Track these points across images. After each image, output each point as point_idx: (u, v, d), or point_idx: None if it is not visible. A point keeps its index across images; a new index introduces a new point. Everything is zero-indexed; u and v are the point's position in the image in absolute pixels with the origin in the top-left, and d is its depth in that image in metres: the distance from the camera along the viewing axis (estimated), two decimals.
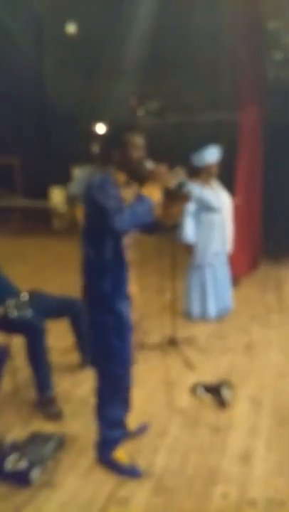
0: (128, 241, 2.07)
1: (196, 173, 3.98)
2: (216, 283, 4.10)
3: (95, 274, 2.07)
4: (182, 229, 3.91)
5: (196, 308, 4.13)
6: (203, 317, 4.11)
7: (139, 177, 2.09)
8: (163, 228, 2.25)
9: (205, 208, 3.91)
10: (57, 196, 8.61)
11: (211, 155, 3.92)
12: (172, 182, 2.05)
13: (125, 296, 2.09)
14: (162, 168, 2.02)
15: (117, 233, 1.95)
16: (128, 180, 2.08)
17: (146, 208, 1.93)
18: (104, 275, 2.04)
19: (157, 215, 2.10)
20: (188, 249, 3.99)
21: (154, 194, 1.96)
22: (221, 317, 4.15)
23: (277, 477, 2.17)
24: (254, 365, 3.32)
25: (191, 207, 3.86)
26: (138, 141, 2.05)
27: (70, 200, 3.26)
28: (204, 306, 4.11)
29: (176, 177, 2.06)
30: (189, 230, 3.91)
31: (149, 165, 2.04)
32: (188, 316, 4.17)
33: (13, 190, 9.62)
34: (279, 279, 5.54)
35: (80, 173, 3.34)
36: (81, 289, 3.42)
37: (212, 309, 4.11)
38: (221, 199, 4.01)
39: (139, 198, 1.94)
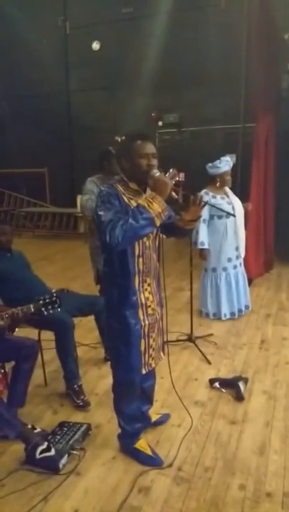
0: (137, 251, 1.93)
1: (211, 181, 3.94)
2: (229, 286, 4.01)
3: (106, 283, 2.04)
4: (196, 235, 3.86)
5: (211, 310, 4.07)
6: (219, 318, 4.03)
7: (147, 185, 1.93)
8: (182, 233, 2.16)
9: (217, 215, 3.84)
10: None
11: (225, 164, 3.88)
12: (179, 194, 1.89)
13: (132, 305, 1.97)
14: (166, 179, 1.82)
15: (111, 247, 1.76)
16: (139, 190, 1.96)
17: (143, 222, 1.72)
18: (113, 284, 1.97)
19: (177, 222, 2.05)
20: (202, 255, 3.93)
21: (154, 205, 1.75)
22: (235, 318, 4.06)
23: None
24: (268, 361, 3.23)
25: (204, 214, 3.81)
26: (147, 149, 1.88)
27: (85, 212, 3.21)
28: (218, 307, 4.03)
29: (172, 178, 1.92)
30: (203, 236, 3.85)
31: (156, 172, 1.86)
32: (205, 316, 4.10)
33: (42, 197, 9.74)
34: None
35: (88, 185, 3.29)
36: (99, 292, 3.42)
37: (225, 311, 4.03)
38: (234, 206, 3.93)
39: (136, 210, 1.74)
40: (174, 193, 1.86)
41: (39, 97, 9.10)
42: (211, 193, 3.87)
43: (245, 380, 2.87)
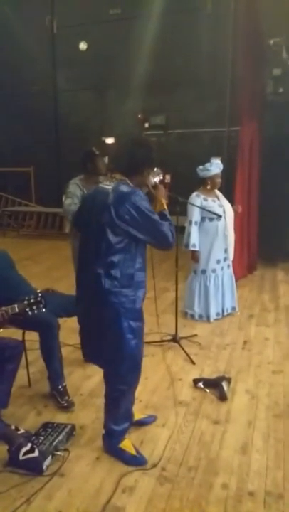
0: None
1: (202, 183, 3.95)
2: (217, 288, 4.03)
3: (122, 285, 1.97)
4: (187, 237, 3.87)
5: (197, 311, 4.07)
6: (207, 320, 4.04)
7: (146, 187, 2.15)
8: None
9: (208, 217, 3.86)
10: None
11: (215, 166, 3.89)
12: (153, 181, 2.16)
13: (142, 300, 2.11)
14: (162, 188, 2.16)
15: (168, 248, 2.03)
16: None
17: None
18: (133, 284, 2.00)
19: None
20: (194, 257, 3.93)
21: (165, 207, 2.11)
22: (219, 318, 4.09)
23: (274, 470, 2.11)
24: (251, 361, 3.27)
25: (196, 216, 3.82)
26: None
27: (68, 215, 3.17)
28: (206, 309, 4.04)
29: (156, 175, 2.11)
30: (194, 238, 3.85)
31: (155, 180, 2.12)
32: (190, 318, 4.10)
33: (28, 196, 9.63)
34: (274, 281, 5.49)
35: (71, 187, 3.24)
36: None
37: (213, 313, 4.04)
38: (225, 208, 3.96)
39: (166, 216, 2.06)
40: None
41: (26, 95, 9.02)
42: (202, 196, 3.89)
43: (229, 380, 2.90)
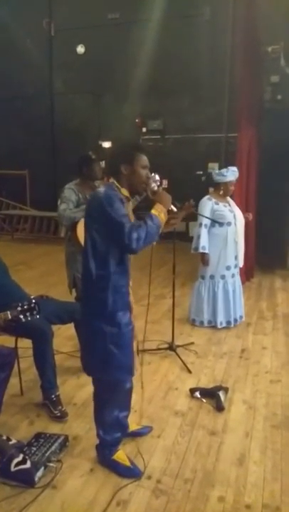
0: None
1: (215, 188, 3.97)
2: (226, 295, 3.99)
3: (96, 286, 1.98)
4: (197, 240, 3.87)
5: (206, 318, 4.02)
6: (215, 326, 4.00)
7: (141, 195, 2.11)
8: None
9: (219, 222, 3.86)
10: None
11: (231, 174, 3.89)
12: (172, 205, 2.06)
13: (126, 307, 2.03)
14: (167, 194, 2.01)
15: (131, 252, 1.91)
16: (129, 196, 2.04)
17: (156, 228, 1.91)
18: (107, 287, 1.96)
19: None
20: (204, 260, 3.91)
21: (161, 215, 1.95)
22: (231, 327, 4.05)
23: (272, 482, 2.10)
24: (249, 371, 3.26)
25: (206, 219, 3.82)
26: (145, 161, 2.03)
27: (63, 220, 3.20)
28: (214, 315, 4.01)
29: (153, 181, 2.04)
30: (204, 241, 3.86)
31: (154, 186, 2.01)
32: (199, 325, 4.06)
33: (22, 200, 9.62)
34: (272, 288, 5.50)
35: (66, 192, 3.25)
36: (76, 298, 3.38)
37: (221, 319, 4.00)
38: (235, 214, 3.96)
39: (151, 218, 1.91)
40: (172, 206, 2.05)
41: (22, 98, 9.03)
42: (213, 199, 3.91)
43: (226, 390, 2.88)
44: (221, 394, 2.80)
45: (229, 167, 3.93)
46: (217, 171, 3.96)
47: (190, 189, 7.44)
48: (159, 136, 8.52)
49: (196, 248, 3.90)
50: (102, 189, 1.97)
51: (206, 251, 3.88)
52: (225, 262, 3.95)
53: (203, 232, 3.87)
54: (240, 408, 2.75)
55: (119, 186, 1.99)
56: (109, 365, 2.02)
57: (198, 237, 3.87)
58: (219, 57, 7.60)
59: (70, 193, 3.20)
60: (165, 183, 2.82)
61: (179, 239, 3.88)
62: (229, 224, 3.89)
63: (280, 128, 5.90)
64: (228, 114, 7.64)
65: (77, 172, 3.31)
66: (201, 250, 3.87)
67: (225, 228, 3.90)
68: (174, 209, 2.07)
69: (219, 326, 4.00)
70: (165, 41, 7.73)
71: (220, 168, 8.20)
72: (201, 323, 4.07)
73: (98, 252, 1.95)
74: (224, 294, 4.00)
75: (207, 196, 3.95)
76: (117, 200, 1.90)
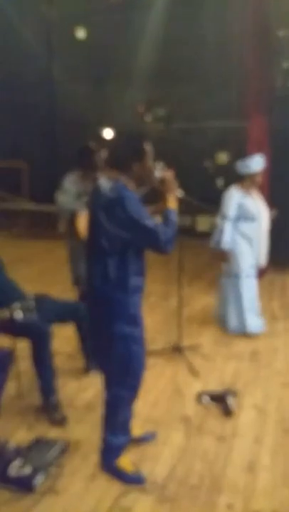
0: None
1: (240, 180, 3.85)
2: (251, 296, 3.93)
3: (115, 288, 2.02)
4: (220, 234, 3.76)
5: (233, 323, 3.93)
6: (242, 332, 3.89)
7: (149, 185, 2.14)
8: None
9: (244, 216, 3.78)
10: None
11: (257, 163, 3.75)
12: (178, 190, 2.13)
13: (140, 306, 2.12)
14: (171, 176, 2.07)
15: (163, 253, 1.99)
16: (136, 189, 2.07)
17: (175, 224, 2.02)
18: (127, 288, 2.03)
19: None
20: (225, 257, 3.81)
21: (174, 205, 2.07)
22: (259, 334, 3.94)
23: (282, 488, 2.13)
24: (259, 374, 3.28)
25: (231, 211, 3.74)
26: (151, 149, 2.06)
27: (63, 213, 3.27)
28: (242, 320, 3.90)
29: (158, 170, 2.08)
30: (228, 235, 3.76)
31: (158, 173, 2.05)
32: (225, 330, 3.98)
33: (20, 193, 9.65)
34: (284, 287, 5.51)
35: (66, 184, 3.31)
36: (79, 297, 3.41)
37: (252, 324, 3.90)
38: (260, 210, 3.87)
39: (172, 214, 2.02)
40: (177, 191, 2.18)
41: (21, 86, 9.05)
42: (241, 192, 3.80)
43: (235, 394, 2.91)
44: (230, 398, 2.82)
45: (254, 156, 3.80)
46: (240, 162, 3.80)
47: (197, 181, 7.48)
48: (163, 125, 8.51)
49: (218, 243, 3.76)
50: (117, 189, 1.96)
51: (229, 247, 3.76)
52: (250, 259, 3.87)
53: (227, 226, 3.74)
54: (250, 412, 2.78)
55: (127, 182, 2.02)
56: (135, 363, 2.12)
57: (222, 231, 3.75)
58: (228, 42, 7.56)
59: (71, 185, 3.25)
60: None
61: (186, 234, 3.90)
62: (255, 220, 3.79)
63: None
64: (238, 101, 7.62)
65: (77, 163, 3.35)
66: (223, 246, 3.74)
67: (251, 224, 3.79)
68: (179, 195, 2.16)
69: (248, 332, 3.89)
70: (171, 25, 7.70)
71: (229, 158, 8.23)
72: (227, 328, 3.96)
73: (117, 254, 2.00)
74: (250, 294, 3.92)
75: (236, 187, 3.82)
76: (138, 202, 1.97)
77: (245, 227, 3.83)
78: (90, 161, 3.28)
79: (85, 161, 3.30)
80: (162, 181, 2.06)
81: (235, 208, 3.77)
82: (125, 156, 2.04)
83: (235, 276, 3.89)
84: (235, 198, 3.78)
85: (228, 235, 3.77)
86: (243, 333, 3.90)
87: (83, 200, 3.05)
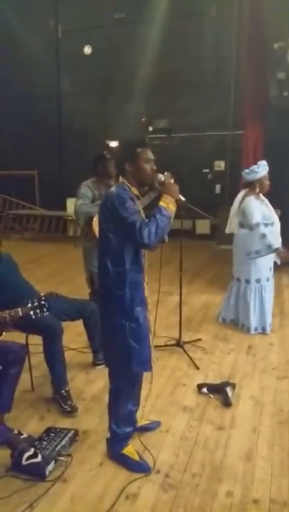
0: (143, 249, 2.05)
1: (249, 187, 3.76)
2: (270, 298, 3.86)
3: (113, 283, 2.01)
4: (265, 239, 3.57)
5: (255, 324, 3.83)
6: (263, 332, 3.83)
7: (150, 188, 2.10)
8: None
9: (264, 223, 3.65)
10: (71, 206, 8.63)
11: (263, 168, 3.68)
12: (181, 196, 2.06)
13: (142, 302, 2.06)
14: (175, 184, 2.03)
15: (145, 247, 1.95)
16: (139, 193, 2.06)
17: (167, 219, 1.93)
18: (124, 283, 1.99)
19: None
20: (282, 253, 3.60)
21: (170, 206, 1.96)
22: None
23: (280, 478, 2.09)
24: (256, 367, 3.24)
25: (258, 217, 3.59)
26: (150, 155, 2.03)
27: (80, 216, 3.28)
28: (264, 321, 3.83)
29: (164, 176, 2.05)
30: (271, 237, 3.57)
31: (162, 177, 2.02)
32: (245, 330, 3.87)
33: (31, 199, 9.67)
34: (279, 285, 5.45)
35: (82, 189, 3.32)
36: (90, 295, 3.40)
37: (254, 324, 3.83)
38: (273, 212, 3.78)
39: (160, 211, 1.92)
40: (181, 196, 2.05)
41: (30, 99, 9.07)
42: (256, 200, 3.70)
43: (233, 386, 2.88)
44: (229, 390, 2.79)
45: (259, 162, 3.73)
46: (247, 170, 3.72)
47: (197, 187, 7.46)
48: (165, 135, 8.50)
49: (270, 247, 3.55)
50: (114, 189, 2.00)
51: (278, 246, 3.60)
52: (269, 263, 3.79)
53: (264, 230, 3.58)
54: (248, 404, 2.74)
55: (129, 185, 2.01)
56: (131, 360, 2.06)
57: (264, 236, 3.55)
58: (225, 54, 7.55)
59: (86, 190, 3.27)
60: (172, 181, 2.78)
61: (186, 237, 3.87)
62: (273, 224, 3.70)
63: (287, 125, 5.85)
64: (234, 111, 7.60)
65: (88, 171, 3.35)
66: (276, 247, 3.57)
67: (269, 228, 3.68)
68: (182, 198, 2.07)
69: (268, 332, 3.82)
70: (171, 40, 7.70)
71: (226, 165, 8.20)
72: (248, 329, 3.85)
73: (114, 251, 1.98)
74: (269, 297, 3.85)
75: (252, 196, 3.68)
76: (128, 200, 1.93)
77: (267, 232, 3.68)
78: (104, 168, 3.28)
79: (99, 169, 3.30)
80: (162, 183, 2.03)
81: (260, 212, 3.64)
82: (120, 158, 2.08)
83: (256, 281, 3.79)
84: (257, 206, 3.66)
85: (270, 235, 3.61)
86: (263, 333, 3.84)
87: (97, 203, 3.05)
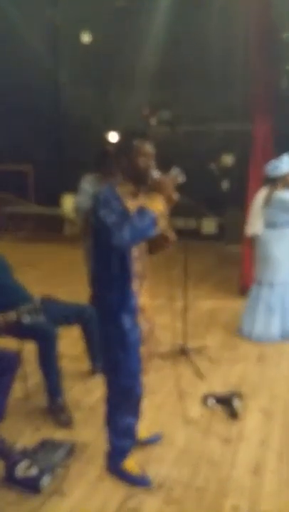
0: (136, 253, 2.02)
1: (273, 183, 3.77)
2: (283, 302, 3.86)
3: (102, 287, 2.04)
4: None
5: (258, 330, 3.86)
6: (267, 339, 3.83)
7: (145, 186, 2.02)
8: (164, 245, 2.17)
9: (286, 220, 3.71)
10: (69, 203, 8.68)
11: (286, 162, 3.70)
12: (176, 195, 1.98)
13: (131, 309, 2.03)
14: (167, 180, 1.95)
15: (118, 249, 1.90)
16: (136, 191, 2.03)
17: (148, 222, 1.83)
18: (111, 289, 2.00)
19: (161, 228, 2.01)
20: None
21: (157, 206, 1.87)
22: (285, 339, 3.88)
23: (288, 490, 2.12)
24: (265, 376, 3.28)
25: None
26: (147, 149, 1.98)
27: (79, 213, 3.34)
28: (268, 327, 3.84)
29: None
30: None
31: (156, 174, 1.97)
32: (246, 336, 3.92)
33: (26, 196, 9.70)
34: None
35: (84, 184, 3.38)
36: (89, 298, 3.45)
37: (276, 330, 3.85)
38: None
39: (140, 212, 1.85)
40: (174, 194, 1.97)
41: (26, 90, 9.12)
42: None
43: (241, 396, 2.90)
44: (236, 400, 2.82)
45: (281, 157, 3.73)
46: (271, 166, 3.74)
47: (202, 183, 7.49)
48: (169, 128, 8.54)
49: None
50: (102, 189, 1.99)
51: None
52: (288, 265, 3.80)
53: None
54: (256, 415, 2.77)
55: (124, 182, 2.01)
56: (118, 370, 2.07)
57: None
58: (232, 44, 7.57)
59: (88, 185, 3.32)
60: (183, 177, 2.76)
61: (191, 238, 3.89)
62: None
63: None
64: (243, 103, 7.62)
65: (95, 166, 3.42)
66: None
67: None
68: (175, 197, 1.99)
69: (273, 339, 3.85)
70: (175, 28, 7.73)
71: (233, 160, 8.23)
72: (270, 338, 3.84)
73: (101, 254, 2.00)
74: (281, 302, 3.86)
75: (280, 190, 3.71)
76: (112, 200, 1.91)
77: (287, 232, 3.75)
78: (107, 163, 3.33)
79: (101, 164, 3.35)
80: (157, 183, 1.94)
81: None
82: (117, 153, 2.05)
83: (268, 285, 3.83)
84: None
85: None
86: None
87: None
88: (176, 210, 2.13)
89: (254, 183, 5.18)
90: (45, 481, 2.12)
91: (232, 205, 7.73)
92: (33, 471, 2.11)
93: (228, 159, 8.29)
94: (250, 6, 5.16)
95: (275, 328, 3.86)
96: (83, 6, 8.49)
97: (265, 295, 3.85)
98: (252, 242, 3.97)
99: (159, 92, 8.22)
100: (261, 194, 3.82)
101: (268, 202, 3.74)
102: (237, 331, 4.03)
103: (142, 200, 1.97)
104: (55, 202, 9.01)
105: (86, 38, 8.82)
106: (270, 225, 3.75)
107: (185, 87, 8.08)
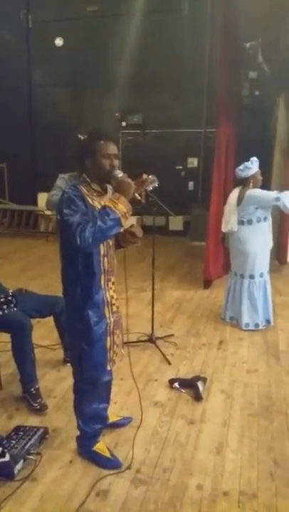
0: (102, 250, 1.93)
1: (243, 184, 3.81)
2: (265, 293, 3.88)
3: (67, 284, 1.99)
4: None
5: (245, 320, 3.87)
6: (254, 327, 3.86)
7: (110, 186, 1.95)
8: (132, 241, 2.09)
9: (263, 217, 3.73)
10: (43, 201, 8.47)
11: (255, 164, 3.75)
12: (142, 195, 1.93)
13: (96, 304, 1.96)
14: (129, 180, 1.86)
15: (81, 250, 1.81)
16: (101, 190, 1.94)
17: (111, 223, 1.74)
18: (76, 285, 1.93)
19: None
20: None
21: (119, 205, 1.78)
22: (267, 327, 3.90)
23: (249, 469, 2.13)
24: (226, 361, 3.30)
25: (271, 193, 3.66)
26: (110, 149, 1.89)
27: (51, 208, 3.23)
28: (254, 316, 3.87)
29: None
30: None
31: (119, 174, 1.87)
32: (237, 325, 3.94)
33: (1, 194, 9.41)
34: None
35: (58, 181, 3.28)
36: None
37: (261, 319, 3.88)
38: None
39: (103, 213, 1.75)
40: (137, 194, 1.90)
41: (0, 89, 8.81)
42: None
43: (204, 380, 2.91)
44: (200, 384, 2.82)
45: (251, 158, 3.77)
46: (241, 167, 3.77)
47: (170, 184, 7.49)
48: (138, 131, 8.47)
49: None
50: (66, 189, 1.89)
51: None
52: (266, 258, 3.84)
53: (286, 194, 3.59)
54: (218, 398, 2.78)
55: (89, 181, 1.92)
56: (83, 362, 2.02)
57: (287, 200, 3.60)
58: (199, 52, 7.59)
59: (62, 182, 3.22)
60: (156, 183, 2.66)
61: (159, 233, 3.87)
62: (266, 218, 3.76)
63: (258, 123, 5.95)
64: (208, 109, 7.66)
65: (73, 165, 3.30)
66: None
67: (266, 222, 3.76)
68: (138, 197, 1.93)
69: (260, 327, 3.87)
70: (145, 35, 7.66)
71: (198, 162, 8.28)
72: (256, 325, 3.87)
73: (66, 251, 1.94)
74: (263, 293, 3.88)
75: (257, 189, 3.74)
76: (76, 200, 1.82)
77: (263, 226, 3.76)
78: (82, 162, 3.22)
79: (80, 163, 3.25)
80: (118, 182, 1.85)
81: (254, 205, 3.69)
82: (80, 154, 1.96)
83: (260, 276, 3.84)
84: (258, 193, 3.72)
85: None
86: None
87: None
88: (145, 210, 2.08)
89: (217, 184, 5.21)
90: (19, 467, 2.04)
91: (197, 204, 7.79)
92: (7, 458, 2.02)
93: (193, 161, 8.32)
94: (214, 16, 5.16)
95: (259, 316, 3.88)
96: (56, 10, 8.27)
97: (248, 286, 3.86)
98: (226, 238, 3.99)
99: (130, 96, 8.14)
100: (234, 194, 3.87)
101: (240, 200, 3.78)
102: (222, 317, 4.10)
103: (106, 200, 1.86)
104: (30, 199, 8.79)
105: (58, 41, 8.59)
106: (247, 222, 3.77)
107: (155, 93, 8.03)
